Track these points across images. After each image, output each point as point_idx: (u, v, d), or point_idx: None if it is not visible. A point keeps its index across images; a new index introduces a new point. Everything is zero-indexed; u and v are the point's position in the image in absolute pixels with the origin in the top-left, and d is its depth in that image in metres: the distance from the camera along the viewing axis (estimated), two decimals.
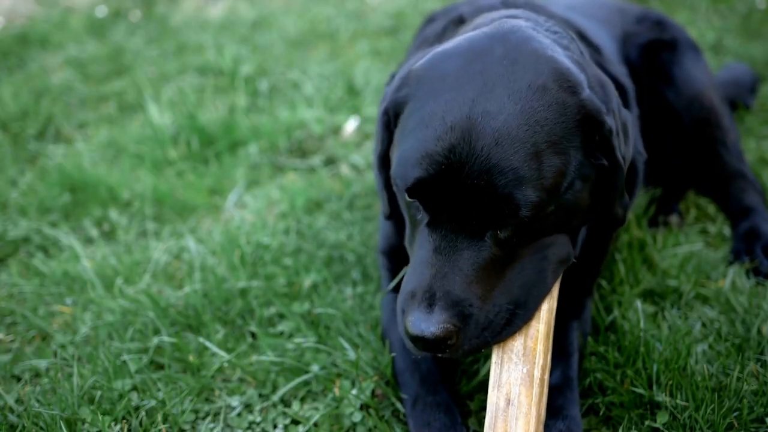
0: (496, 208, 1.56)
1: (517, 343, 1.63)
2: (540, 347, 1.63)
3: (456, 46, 1.73)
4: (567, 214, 1.67)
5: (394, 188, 1.77)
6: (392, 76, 2.22)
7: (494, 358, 1.65)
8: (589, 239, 1.99)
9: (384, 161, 1.88)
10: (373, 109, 3.69)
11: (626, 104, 2.10)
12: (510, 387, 1.60)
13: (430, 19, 2.48)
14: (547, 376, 1.64)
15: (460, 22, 2.14)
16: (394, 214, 1.98)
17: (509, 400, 1.59)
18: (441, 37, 2.15)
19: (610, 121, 1.68)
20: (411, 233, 1.74)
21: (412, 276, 1.64)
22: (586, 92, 1.66)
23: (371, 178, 3.11)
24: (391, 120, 1.80)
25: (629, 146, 1.82)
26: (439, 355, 1.60)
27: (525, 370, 1.60)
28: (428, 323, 1.54)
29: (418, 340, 1.57)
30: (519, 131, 1.56)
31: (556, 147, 1.59)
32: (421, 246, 1.65)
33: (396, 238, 2.19)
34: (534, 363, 1.61)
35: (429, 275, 1.59)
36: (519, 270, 1.65)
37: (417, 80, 1.72)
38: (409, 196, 1.65)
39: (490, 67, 1.63)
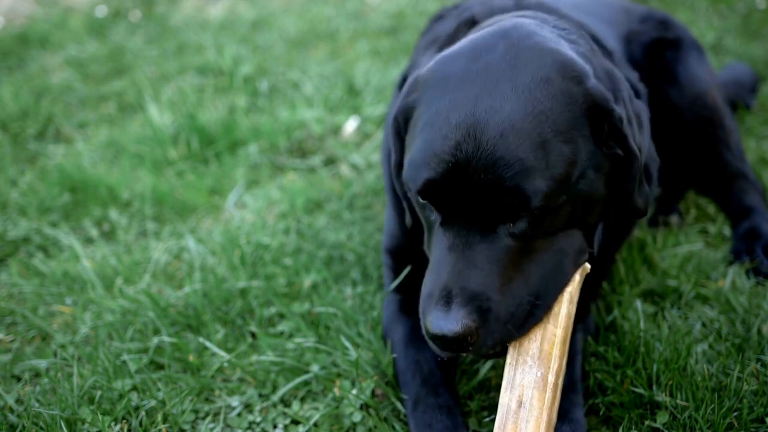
0: (506, 201, 1.56)
1: (533, 346, 1.62)
2: (556, 351, 1.61)
3: (460, 48, 1.74)
4: (582, 205, 1.67)
5: (408, 193, 1.77)
6: (403, 77, 2.23)
7: (509, 359, 1.64)
8: (602, 243, 2.00)
9: (400, 169, 1.86)
10: (373, 109, 3.68)
11: None
12: (523, 389, 1.58)
13: (440, 17, 2.48)
14: (560, 381, 1.62)
15: (472, 23, 2.14)
16: (416, 223, 1.95)
17: (521, 403, 1.57)
18: (453, 38, 2.15)
19: (619, 109, 1.68)
20: (428, 236, 1.74)
21: (430, 277, 1.64)
22: (592, 81, 1.66)
23: (371, 178, 3.11)
24: (401, 126, 1.81)
25: (644, 136, 1.80)
26: (463, 354, 1.59)
27: (539, 374, 1.58)
28: (447, 321, 1.53)
29: (439, 339, 1.56)
30: (523, 123, 1.56)
31: (563, 136, 1.59)
32: (436, 246, 1.65)
33: (402, 238, 2.18)
34: (549, 367, 1.60)
35: (445, 273, 1.59)
36: (537, 262, 1.64)
37: (424, 84, 1.73)
38: (422, 198, 1.65)
39: (493, 64, 1.64)
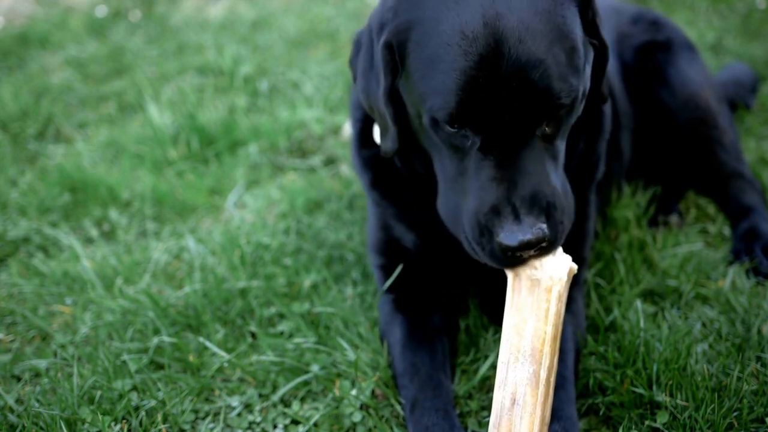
0: (539, 104, 1.61)
1: (524, 343, 1.63)
2: (547, 348, 1.63)
3: None
4: (583, 97, 1.75)
5: (426, 123, 1.73)
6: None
7: (501, 357, 1.65)
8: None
9: (391, 95, 1.82)
10: None
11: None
12: (516, 386, 1.60)
13: None
14: (553, 378, 1.64)
15: None
16: (407, 147, 1.95)
17: (514, 400, 1.59)
18: None
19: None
20: (457, 164, 1.74)
21: (486, 195, 1.68)
22: None
23: None
24: (395, 51, 1.75)
25: (605, 30, 1.88)
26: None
27: (531, 371, 1.60)
28: (522, 232, 1.63)
29: (517, 249, 1.64)
30: (534, 23, 1.60)
31: (566, 29, 1.65)
32: (480, 169, 1.69)
33: (385, 233, 2.17)
34: (541, 364, 1.61)
35: (504, 189, 1.66)
36: (558, 163, 1.75)
37: (416, 4, 1.70)
38: (455, 123, 1.66)
39: None
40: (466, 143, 1.68)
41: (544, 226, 1.64)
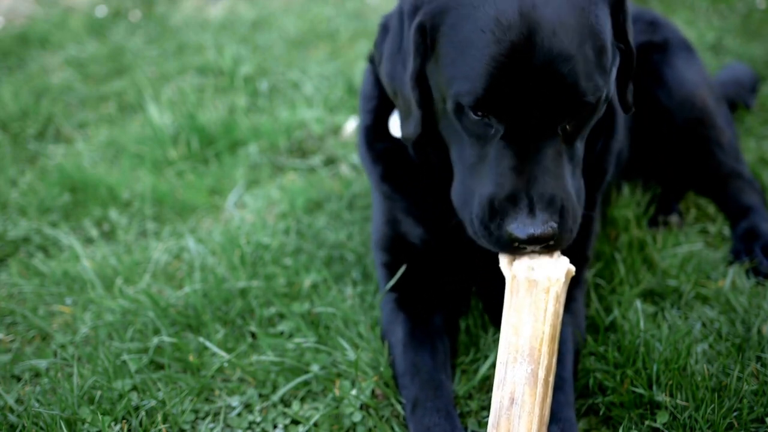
0: (566, 99, 1.61)
1: (522, 343, 1.64)
2: (545, 348, 1.64)
3: None
4: (606, 99, 1.75)
5: (449, 108, 1.73)
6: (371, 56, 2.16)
7: (500, 357, 1.66)
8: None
9: (418, 78, 1.81)
10: None
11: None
12: (514, 386, 1.61)
13: None
14: (551, 379, 1.65)
15: None
16: (425, 134, 1.93)
17: (513, 399, 1.59)
18: None
19: (629, 3, 1.77)
20: (477, 151, 1.74)
21: (505, 183, 1.68)
22: None
23: None
24: (428, 34, 1.75)
25: (631, 36, 1.88)
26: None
27: (530, 370, 1.61)
28: (534, 226, 1.64)
29: (526, 243, 1.66)
30: (569, 18, 1.60)
31: (598, 28, 1.65)
32: (501, 157, 1.69)
33: (391, 228, 2.17)
34: (539, 363, 1.62)
35: (524, 181, 1.66)
36: (575, 163, 1.75)
37: None
38: (480, 109, 1.66)
39: None
40: (489, 131, 1.69)
41: (556, 225, 1.66)
